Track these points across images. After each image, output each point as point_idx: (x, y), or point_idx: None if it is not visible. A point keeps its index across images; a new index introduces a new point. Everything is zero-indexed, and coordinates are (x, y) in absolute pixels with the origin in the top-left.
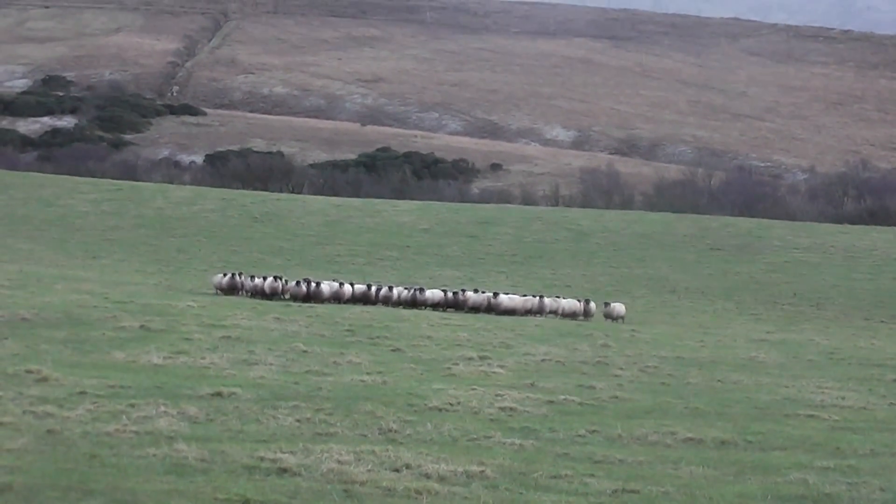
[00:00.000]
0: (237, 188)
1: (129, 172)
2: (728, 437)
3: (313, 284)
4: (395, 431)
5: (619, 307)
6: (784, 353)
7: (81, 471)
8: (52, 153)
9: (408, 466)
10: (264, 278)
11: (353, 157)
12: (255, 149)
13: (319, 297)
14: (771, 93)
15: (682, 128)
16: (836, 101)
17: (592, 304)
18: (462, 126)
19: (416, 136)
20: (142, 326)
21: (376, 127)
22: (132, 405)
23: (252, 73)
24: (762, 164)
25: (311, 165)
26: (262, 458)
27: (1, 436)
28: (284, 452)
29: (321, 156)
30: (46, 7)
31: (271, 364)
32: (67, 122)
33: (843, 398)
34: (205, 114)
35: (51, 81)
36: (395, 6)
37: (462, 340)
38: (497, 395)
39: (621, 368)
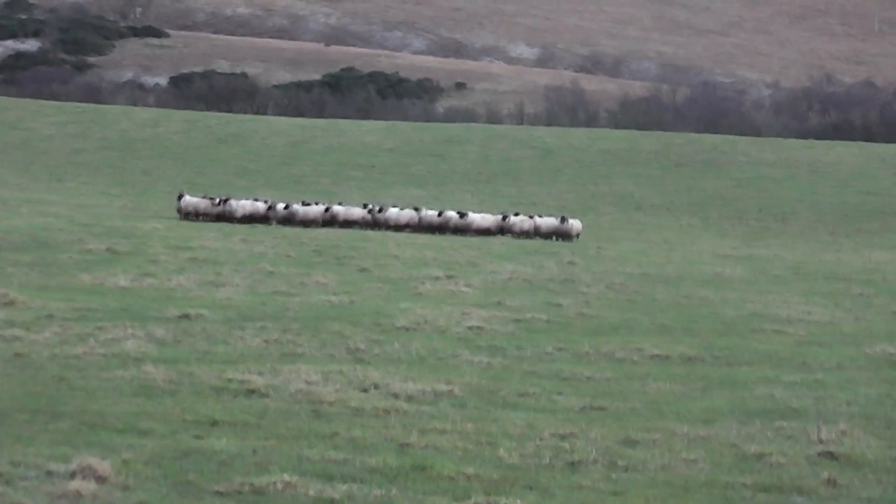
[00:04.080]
0: (201, 110)
1: (93, 95)
2: (695, 352)
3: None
4: (363, 351)
5: (577, 223)
6: (750, 269)
7: (50, 393)
8: (15, 76)
9: (376, 386)
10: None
11: (317, 77)
12: (218, 70)
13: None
14: (734, 7)
15: (646, 44)
16: (800, 15)
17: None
18: (426, 45)
19: (380, 56)
20: (108, 249)
21: (340, 47)
22: (99, 328)
23: None
24: (726, 80)
25: (276, 86)
26: (230, 380)
27: None
28: (252, 373)
29: (285, 76)
30: None
31: (238, 285)
32: (31, 45)
33: (809, 313)
34: (168, 35)
35: (13, 4)
36: None
37: (428, 259)
38: (464, 314)
39: (588, 285)
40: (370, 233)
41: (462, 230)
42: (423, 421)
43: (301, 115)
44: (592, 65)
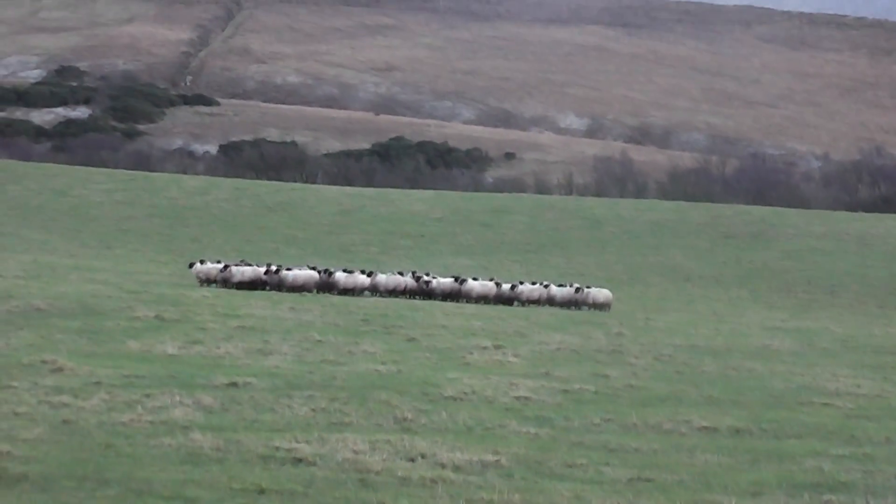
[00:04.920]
0: (251, 177)
1: (143, 162)
2: (743, 425)
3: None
4: (410, 420)
5: (598, 293)
6: (798, 341)
7: (97, 460)
8: (65, 143)
9: (423, 455)
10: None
11: (366, 146)
12: (268, 138)
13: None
14: (784, 80)
15: (695, 115)
16: (849, 87)
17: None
18: (475, 114)
19: (429, 125)
20: (156, 316)
21: (389, 116)
22: (147, 395)
23: (265, 63)
24: (776, 152)
25: (325, 155)
26: (277, 448)
27: (17, 426)
28: (300, 442)
29: (335, 145)
30: None
31: (286, 353)
32: (81, 112)
33: (857, 386)
34: (218, 103)
35: (64, 72)
36: None
37: (476, 329)
38: (512, 384)
39: (636, 357)
40: (418, 302)
41: (456, 297)
42: (470, 491)
43: (350, 183)
44: (641, 135)
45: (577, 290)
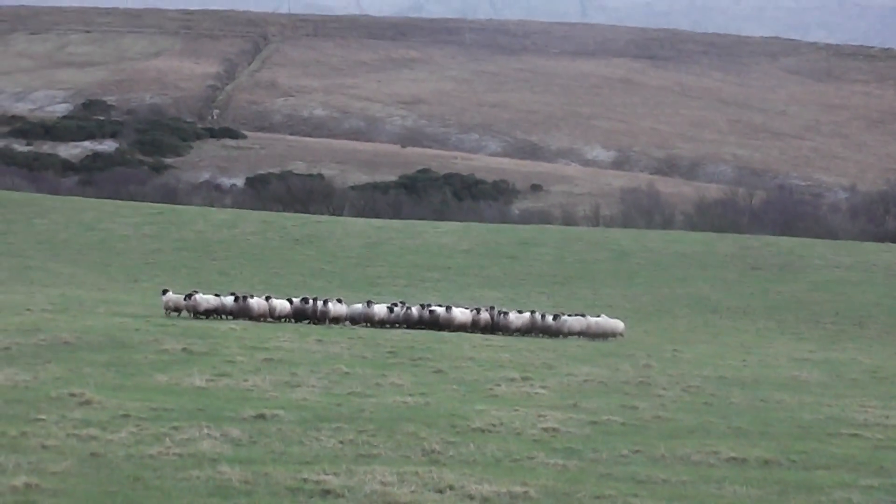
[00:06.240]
0: (278, 210)
1: (170, 196)
2: (771, 456)
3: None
4: (438, 452)
5: (575, 322)
6: (827, 372)
7: (125, 493)
8: (92, 177)
9: (451, 487)
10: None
11: (393, 178)
12: (295, 171)
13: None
14: (811, 111)
15: (722, 147)
16: (876, 119)
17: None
18: (502, 147)
19: (456, 158)
20: (184, 349)
21: (416, 148)
22: (175, 427)
23: (292, 96)
24: (803, 183)
25: (352, 187)
26: (305, 480)
27: (45, 459)
28: (328, 474)
29: (361, 178)
30: (87, 32)
31: (314, 386)
32: (108, 146)
33: (886, 417)
34: (245, 137)
35: (91, 106)
36: (433, 28)
37: (504, 361)
38: (540, 416)
39: (664, 388)
40: (445, 334)
41: (444, 326)
42: None
43: (377, 216)
44: (668, 167)
45: (555, 317)
